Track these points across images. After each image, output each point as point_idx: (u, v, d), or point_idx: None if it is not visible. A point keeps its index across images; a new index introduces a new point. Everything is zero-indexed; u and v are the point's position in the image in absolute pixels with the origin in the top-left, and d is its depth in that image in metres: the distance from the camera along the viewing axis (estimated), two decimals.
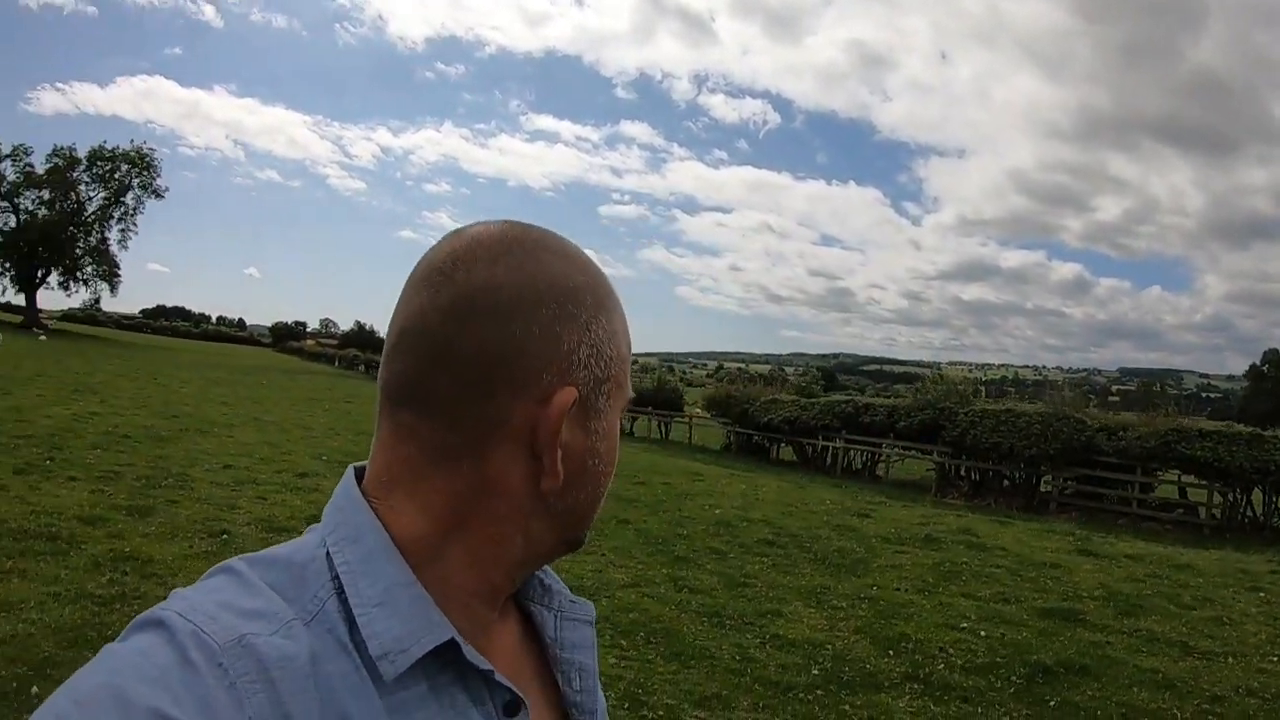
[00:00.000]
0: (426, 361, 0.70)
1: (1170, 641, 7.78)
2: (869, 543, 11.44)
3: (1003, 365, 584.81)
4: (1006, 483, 19.84)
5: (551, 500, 0.73)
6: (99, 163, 71.15)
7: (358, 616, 0.66)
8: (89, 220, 71.32)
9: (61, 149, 70.66)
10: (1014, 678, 6.54)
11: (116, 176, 71.73)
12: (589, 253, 0.80)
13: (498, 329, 0.70)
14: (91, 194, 71.75)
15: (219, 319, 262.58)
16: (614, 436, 0.77)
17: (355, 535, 0.70)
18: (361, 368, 69.07)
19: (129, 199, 72.86)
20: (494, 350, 0.70)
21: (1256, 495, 16.96)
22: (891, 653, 6.86)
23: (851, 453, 23.21)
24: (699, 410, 30.05)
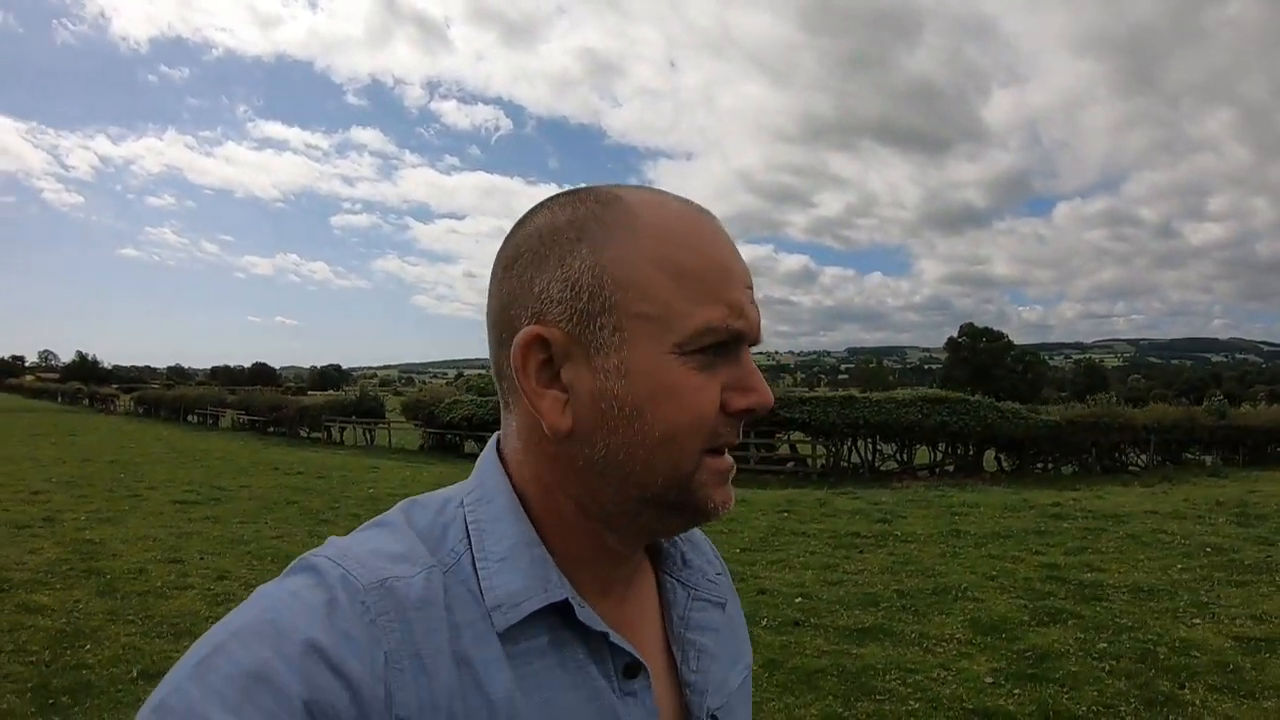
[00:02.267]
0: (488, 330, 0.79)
1: (756, 549, 10.59)
2: None
3: None
4: None
5: (586, 452, 0.73)
6: None
7: (480, 570, 0.72)
8: None
9: None
10: None
11: None
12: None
13: (497, 288, 0.77)
14: None
15: None
16: (651, 375, 0.71)
17: (489, 496, 0.76)
18: (86, 401, 66.91)
19: None
20: (495, 307, 0.77)
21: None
22: None
23: None
24: (397, 416, 32.99)
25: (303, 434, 34.53)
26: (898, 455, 21.15)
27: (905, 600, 8.12)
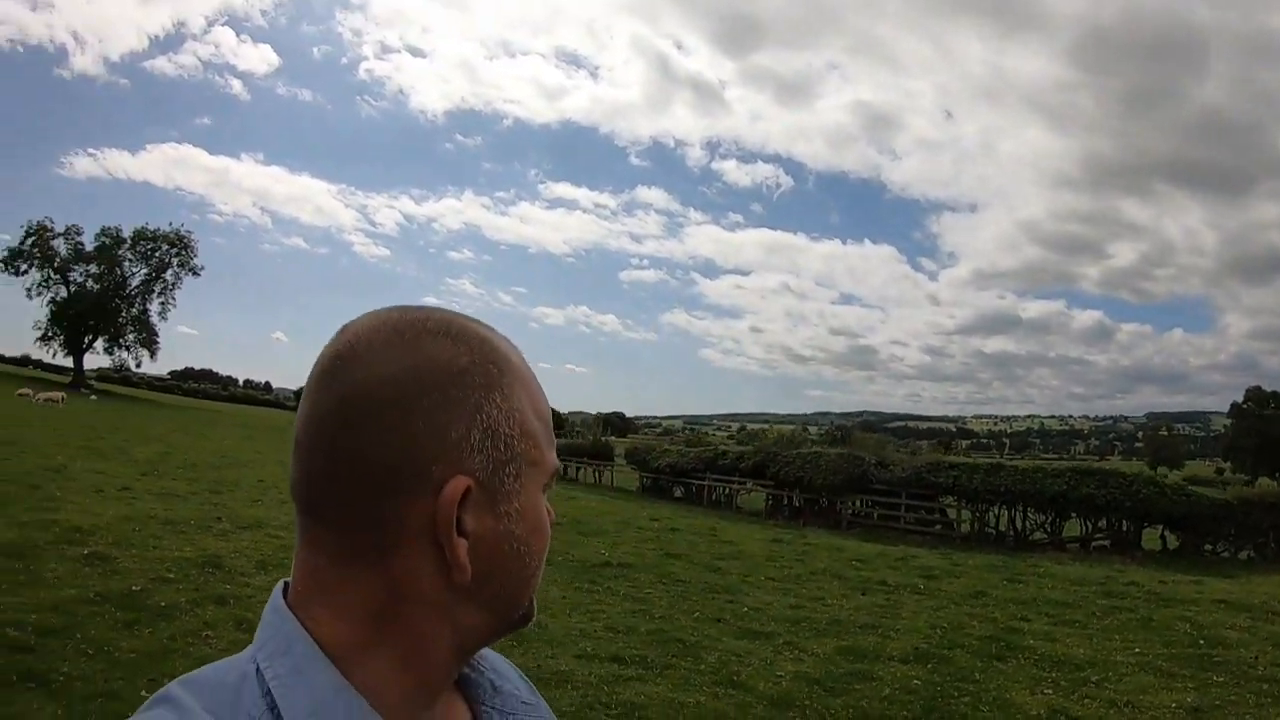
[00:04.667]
0: (319, 469, 0.71)
1: (735, 573, 12.84)
2: (631, 530, 17.43)
3: (1029, 416, 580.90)
4: (817, 506, 25.54)
5: (474, 590, 0.72)
6: (142, 242, 79.48)
7: None
8: (132, 293, 79.40)
9: (109, 229, 79.41)
10: (591, 568, 12.25)
11: (157, 255, 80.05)
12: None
13: (382, 429, 0.69)
14: (134, 270, 79.86)
15: (246, 382, 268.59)
16: (535, 514, 0.76)
17: (284, 647, 0.70)
18: None
19: (169, 275, 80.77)
20: (380, 451, 0.69)
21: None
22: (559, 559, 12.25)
23: (717, 489, 29.55)
24: (620, 460, 38.11)
25: None
26: (1045, 525, 21.11)
27: (756, 615, 9.68)
